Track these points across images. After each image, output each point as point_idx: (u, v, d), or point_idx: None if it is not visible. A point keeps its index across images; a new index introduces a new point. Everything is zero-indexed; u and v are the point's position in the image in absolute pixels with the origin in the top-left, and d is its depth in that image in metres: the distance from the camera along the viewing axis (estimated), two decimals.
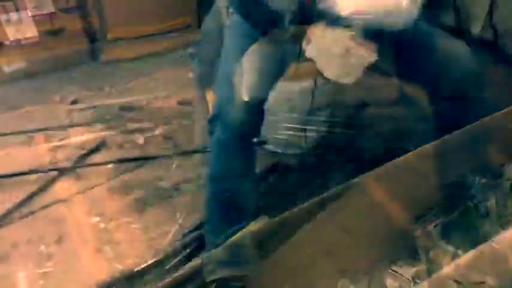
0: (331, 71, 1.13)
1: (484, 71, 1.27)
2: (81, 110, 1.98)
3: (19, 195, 1.63)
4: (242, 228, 1.29)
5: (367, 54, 1.12)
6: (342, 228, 1.54)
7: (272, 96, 1.64)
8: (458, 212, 1.43)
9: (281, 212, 1.52)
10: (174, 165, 1.73)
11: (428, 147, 1.10)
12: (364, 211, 1.59)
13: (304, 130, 1.72)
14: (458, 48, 1.24)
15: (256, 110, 1.20)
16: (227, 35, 1.35)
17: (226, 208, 1.24)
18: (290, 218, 1.53)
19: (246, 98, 1.20)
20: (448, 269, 0.88)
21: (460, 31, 2.28)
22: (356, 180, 1.67)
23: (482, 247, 0.93)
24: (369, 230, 1.54)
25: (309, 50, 1.15)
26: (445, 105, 1.30)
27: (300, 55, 1.31)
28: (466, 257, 0.92)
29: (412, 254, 1.45)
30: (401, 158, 1.75)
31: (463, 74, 1.24)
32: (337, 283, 1.38)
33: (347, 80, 1.14)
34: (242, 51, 1.27)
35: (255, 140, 1.25)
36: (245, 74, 1.20)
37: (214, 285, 1.28)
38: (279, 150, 1.77)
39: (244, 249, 1.28)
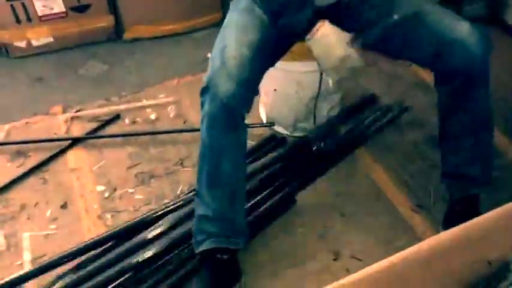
0: (326, 67, 1.24)
1: (489, 55, 1.22)
2: (101, 84, 2.04)
3: (33, 161, 1.70)
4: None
5: (359, 61, 1.22)
6: (339, 212, 1.52)
7: (280, 76, 1.64)
8: None
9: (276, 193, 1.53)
10: (182, 141, 1.75)
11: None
12: (365, 198, 1.57)
13: (314, 114, 1.71)
14: (462, 28, 1.19)
15: (246, 85, 1.19)
16: (231, 9, 1.35)
17: (213, 182, 1.25)
18: (285, 197, 1.54)
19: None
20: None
21: (492, 20, 2.21)
22: (361, 165, 1.66)
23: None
24: (369, 217, 1.52)
25: (312, 43, 1.22)
26: (449, 87, 1.26)
27: (306, 34, 1.29)
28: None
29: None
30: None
31: (467, 56, 1.19)
32: (329, 265, 1.37)
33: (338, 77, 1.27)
34: (240, 26, 1.27)
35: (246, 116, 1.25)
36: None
37: (199, 255, 1.30)
38: (288, 132, 1.76)
39: (232, 223, 1.29)
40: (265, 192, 1.52)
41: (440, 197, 1.52)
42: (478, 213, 1.37)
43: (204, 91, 1.22)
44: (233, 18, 1.30)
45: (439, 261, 0.96)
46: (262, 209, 1.46)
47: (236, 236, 1.29)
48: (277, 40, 1.31)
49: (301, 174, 1.57)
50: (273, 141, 1.73)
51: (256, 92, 1.28)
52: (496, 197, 1.45)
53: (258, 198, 1.48)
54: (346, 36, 1.22)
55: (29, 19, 2.09)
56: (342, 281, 0.89)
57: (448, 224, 1.42)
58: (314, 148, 1.60)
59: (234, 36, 1.24)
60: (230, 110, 1.20)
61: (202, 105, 1.24)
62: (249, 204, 1.45)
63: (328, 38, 1.20)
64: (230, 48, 1.22)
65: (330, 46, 1.20)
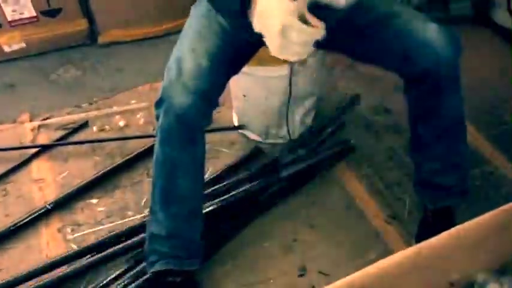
0: (272, 47, 0.95)
1: (459, 58, 1.15)
2: (72, 90, 1.98)
3: None
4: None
5: (312, 31, 0.93)
6: (308, 224, 1.45)
7: (248, 81, 1.57)
8: None
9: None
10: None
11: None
12: (337, 208, 1.50)
13: (286, 120, 1.64)
14: (430, 30, 1.12)
15: (204, 96, 1.12)
16: (190, 14, 1.28)
17: (167, 199, 1.19)
18: (249, 209, 1.47)
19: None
20: None
21: (478, 18, 2.13)
22: (333, 172, 1.58)
23: None
24: (339, 229, 1.44)
25: (254, 23, 0.96)
26: (418, 92, 1.19)
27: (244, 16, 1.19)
28: None
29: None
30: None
31: (435, 58, 1.12)
32: (295, 281, 1.30)
33: (293, 58, 0.97)
34: (198, 34, 1.20)
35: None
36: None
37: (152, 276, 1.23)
38: (260, 139, 1.69)
39: (188, 243, 1.22)
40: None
41: (415, 208, 1.45)
42: (453, 225, 1.29)
43: (158, 103, 1.15)
44: (191, 25, 1.23)
45: (394, 283, 0.89)
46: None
47: (190, 256, 1.22)
48: (239, 47, 1.24)
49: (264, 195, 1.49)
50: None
51: (216, 104, 1.21)
52: (478, 207, 1.37)
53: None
54: (286, 5, 0.93)
55: None
56: None
57: (421, 236, 1.34)
58: (279, 176, 1.51)
59: (191, 45, 1.17)
60: (186, 123, 1.13)
61: (157, 118, 1.17)
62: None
63: (266, 10, 0.94)
64: (186, 57, 1.15)
65: (267, 18, 0.94)
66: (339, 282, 0.87)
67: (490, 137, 1.67)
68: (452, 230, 0.91)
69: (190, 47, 1.17)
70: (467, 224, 0.91)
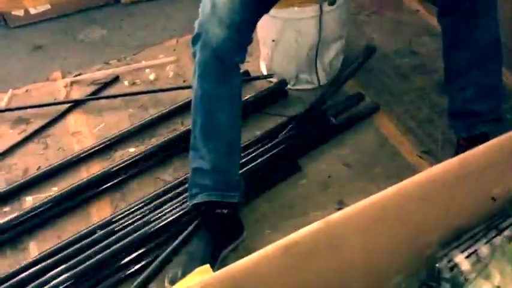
0: None
1: None
2: (100, 48, 2.01)
3: (34, 127, 1.69)
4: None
5: None
6: (343, 162, 1.48)
7: (277, 24, 1.58)
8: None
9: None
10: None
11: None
12: (369, 146, 1.52)
13: (315, 64, 1.65)
14: None
15: (238, 30, 1.14)
16: None
17: (208, 134, 1.22)
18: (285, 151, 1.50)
19: None
20: None
21: None
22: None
23: None
24: (374, 165, 1.47)
25: None
26: (454, 17, 1.19)
27: None
28: None
29: None
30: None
31: None
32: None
33: None
34: None
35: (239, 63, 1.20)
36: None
37: (202, 209, 1.27)
38: (290, 85, 1.71)
39: (228, 176, 1.26)
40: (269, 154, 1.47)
41: (448, 143, 1.47)
42: None
43: (195, 39, 1.18)
44: None
45: (434, 196, 0.90)
46: (264, 172, 1.43)
47: (231, 189, 1.26)
48: None
49: (307, 141, 1.52)
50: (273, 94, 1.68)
51: (250, 39, 1.23)
52: None
53: (261, 159, 1.45)
54: None
55: None
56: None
57: None
58: (331, 123, 1.54)
59: None
60: (222, 57, 1.15)
61: (194, 54, 1.20)
62: (252, 165, 1.43)
63: None
64: None
65: None
66: (390, 189, 0.87)
67: None
68: (493, 140, 0.91)
69: None
70: (508, 134, 0.91)
